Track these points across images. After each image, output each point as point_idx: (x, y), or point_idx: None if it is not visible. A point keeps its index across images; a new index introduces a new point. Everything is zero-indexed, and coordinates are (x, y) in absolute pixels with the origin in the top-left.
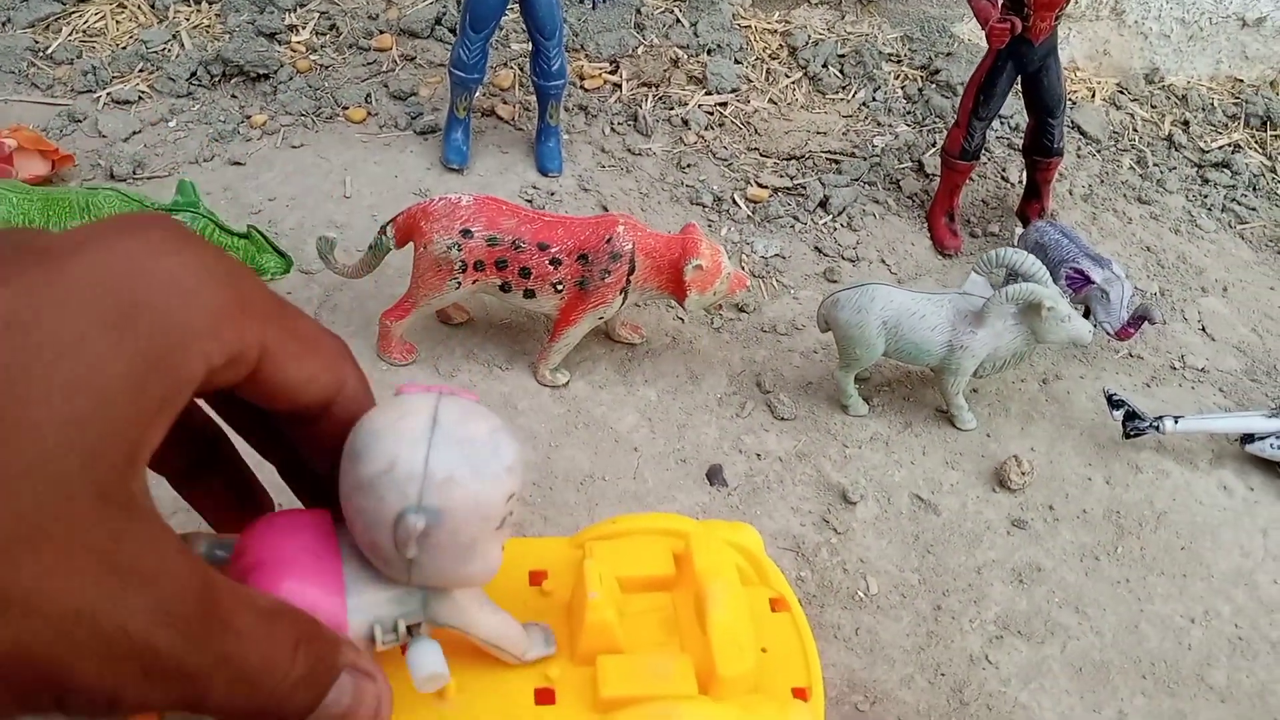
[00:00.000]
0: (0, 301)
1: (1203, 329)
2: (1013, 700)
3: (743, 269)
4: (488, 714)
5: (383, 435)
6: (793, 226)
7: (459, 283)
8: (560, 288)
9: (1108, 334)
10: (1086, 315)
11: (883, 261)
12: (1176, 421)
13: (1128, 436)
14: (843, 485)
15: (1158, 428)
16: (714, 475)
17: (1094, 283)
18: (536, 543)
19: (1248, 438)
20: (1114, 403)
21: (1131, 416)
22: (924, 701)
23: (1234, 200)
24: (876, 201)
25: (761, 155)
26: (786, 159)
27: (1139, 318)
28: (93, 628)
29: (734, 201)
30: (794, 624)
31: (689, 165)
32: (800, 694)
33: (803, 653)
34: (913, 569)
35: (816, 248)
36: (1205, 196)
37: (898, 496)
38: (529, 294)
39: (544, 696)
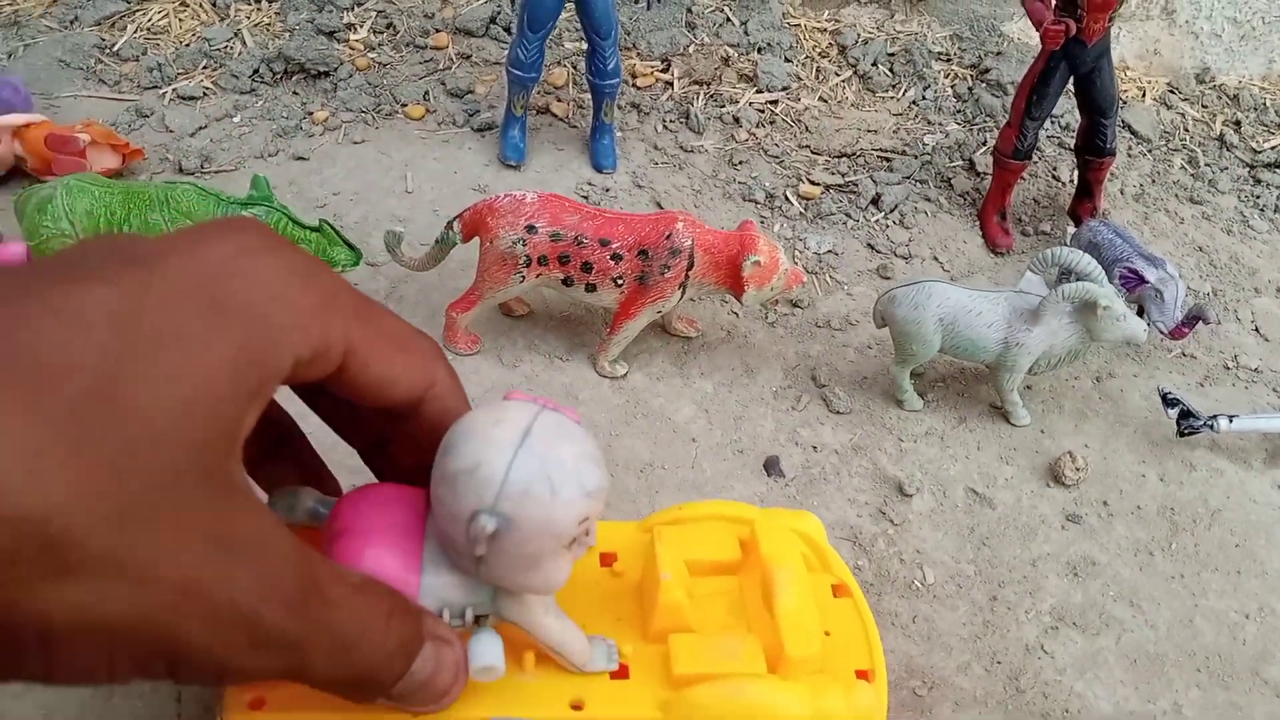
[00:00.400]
0: (107, 300)
1: (1256, 329)
2: (1068, 689)
3: (796, 264)
4: (564, 687)
5: (474, 436)
6: (845, 223)
7: (523, 277)
8: (620, 282)
9: (1161, 333)
10: (1140, 315)
11: (935, 259)
12: (1231, 420)
13: (1182, 435)
14: (898, 478)
15: (1212, 426)
16: (771, 466)
17: (1148, 282)
18: (605, 526)
19: None
20: (1168, 401)
21: (1186, 415)
22: (980, 688)
23: None
24: (928, 199)
25: (813, 153)
26: (838, 156)
27: (1193, 318)
28: (203, 599)
29: (786, 198)
30: (856, 609)
31: (741, 162)
32: (864, 675)
33: (865, 636)
34: (968, 560)
35: (869, 244)
36: (1258, 197)
37: (953, 490)
38: (590, 288)
39: (619, 673)
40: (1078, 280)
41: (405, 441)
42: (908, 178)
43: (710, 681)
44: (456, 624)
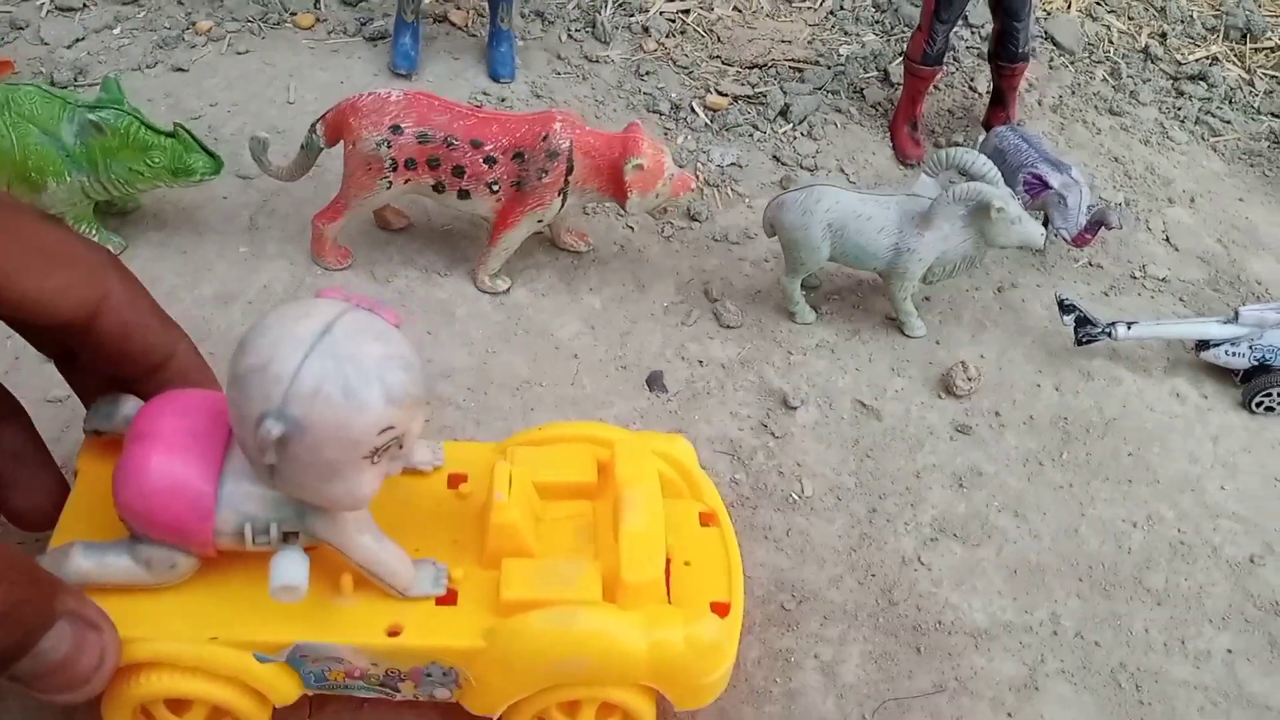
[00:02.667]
0: None
1: (1167, 239)
2: (943, 601)
3: (696, 177)
4: (382, 612)
5: (269, 332)
6: (751, 135)
7: (390, 182)
8: (496, 188)
9: (1065, 240)
10: (1046, 224)
11: (842, 170)
12: (1129, 327)
13: (1080, 343)
14: (784, 391)
15: (1110, 333)
16: (654, 381)
17: (1052, 188)
18: (459, 446)
19: (1202, 344)
20: (1065, 307)
21: (1083, 322)
22: (852, 601)
23: (1208, 113)
24: (839, 110)
25: (723, 63)
26: (749, 67)
27: (1096, 223)
28: None
29: (692, 109)
30: (722, 539)
31: (648, 73)
32: (720, 609)
33: (727, 568)
34: (850, 473)
35: (775, 157)
36: (1179, 109)
37: (840, 402)
38: (463, 194)
39: (446, 599)
40: (972, 181)
41: (90, 356)
42: (819, 89)
43: (539, 609)
44: (262, 541)
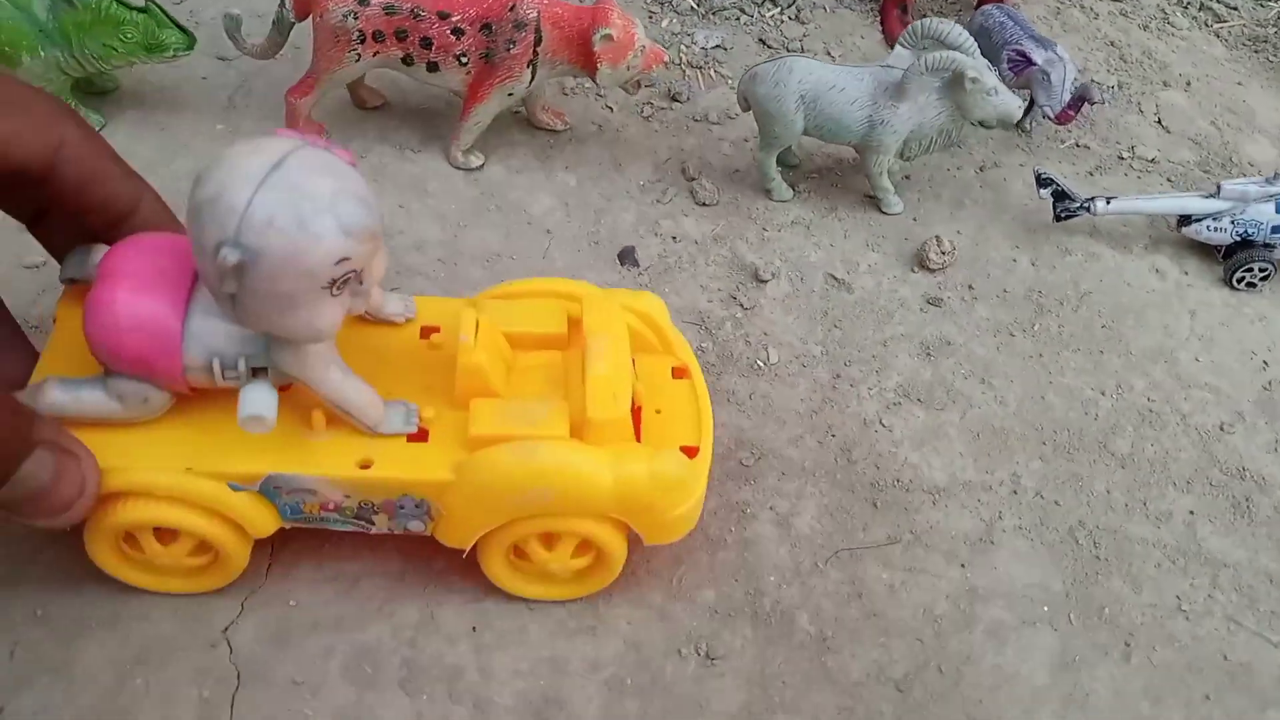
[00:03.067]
0: None
1: (1159, 121)
2: (902, 460)
3: (680, 59)
4: (353, 447)
5: (224, 164)
6: (738, 19)
7: (358, 55)
8: (465, 60)
9: (1049, 118)
10: (1031, 106)
11: (828, 54)
12: (1109, 202)
13: (1058, 218)
14: (756, 265)
15: (1088, 208)
16: (625, 256)
17: (1035, 64)
18: (433, 301)
19: (1184, 220)
20: (1042, 181)
21: (1061, 196)
22: (810, 459)
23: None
24: None
25: None
26: None
27: (1078, 99)
28: None
29: None
30: (693, 390)
31: None
32: (688, 452)
33: (697, 417)
34: (817, 342)
35: (761, 39)
36: (1186, 1)
37: (811, 276)
38: (432, 67)
39: (417, 436)
40: (945, 50)
41: (55, 210)
42: None
43: (506, 444)
44: (231, 376)
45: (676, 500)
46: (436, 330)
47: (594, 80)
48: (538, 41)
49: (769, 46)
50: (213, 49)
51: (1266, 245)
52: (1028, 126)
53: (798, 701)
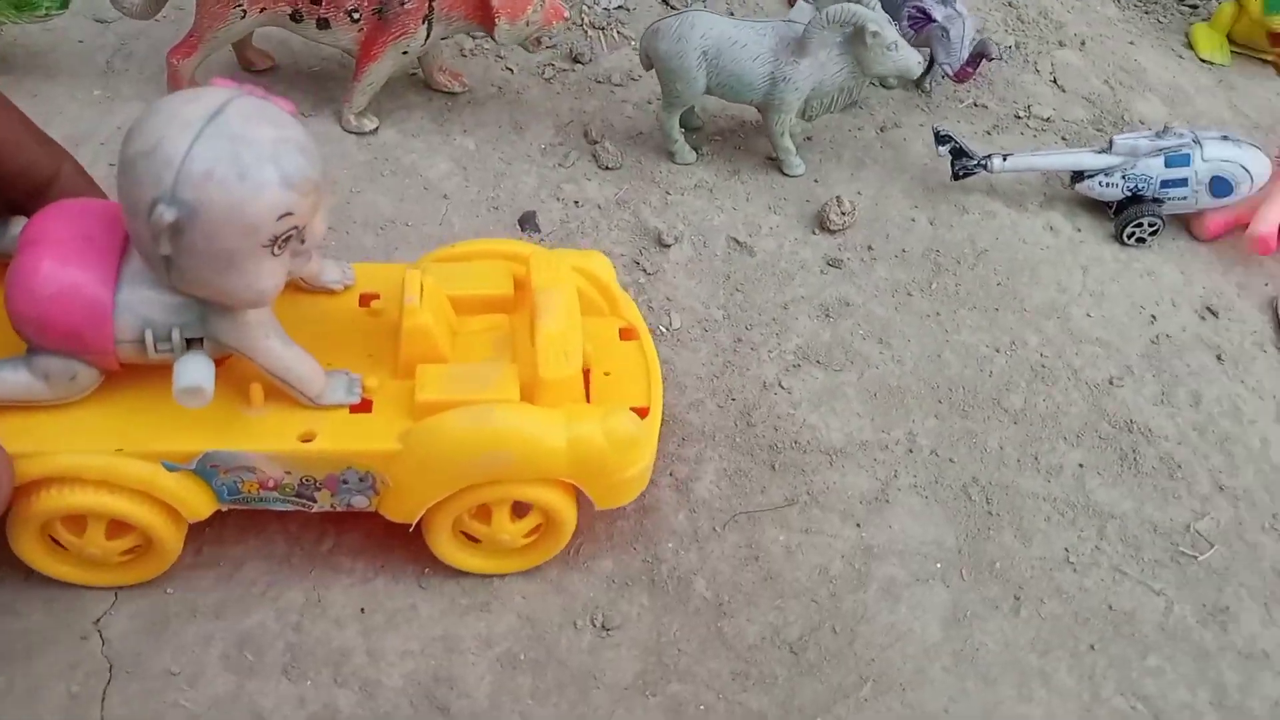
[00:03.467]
0: None
1: (1054, 80)
2: (800, 421)
3: (582, 20)
4: (294, 420)
5: (158, 114)
6: None
7: (243, 11)
8: (357, 16)
9: (948, 75)
10: (932, 65)
11: (730, 12)
12: (1005, 159)
13: (956, 177)
14: (659, 229)
15: (986, 165)
16: (526, 221)
17: (935, 20)
18: (370, 267)
19: (1077, 176)
20: (941, 139)
21: (960, 154)
22: (710, 423)
23: None
24: None
25: None
26: None
27: (977, 55)
28: None
29: None
30: (641, 351)
31: None
32: (640, 413)
33: (646, 377)
34: (719, 306)
35: (664, 0)
36: None
37: (714, 239)
38: (323, 24)
39: (361, 407)
40: (846, 3)
41: None
42: None
43: (456, 409)
44: (164, 349)
45: (630, 461)
46: (376, 297)
47: (493, 38)
48: None
49: (671, 6)
50: (89, 10)
51: (1156, 200)
52: (927, 86)
53: (692, 668)
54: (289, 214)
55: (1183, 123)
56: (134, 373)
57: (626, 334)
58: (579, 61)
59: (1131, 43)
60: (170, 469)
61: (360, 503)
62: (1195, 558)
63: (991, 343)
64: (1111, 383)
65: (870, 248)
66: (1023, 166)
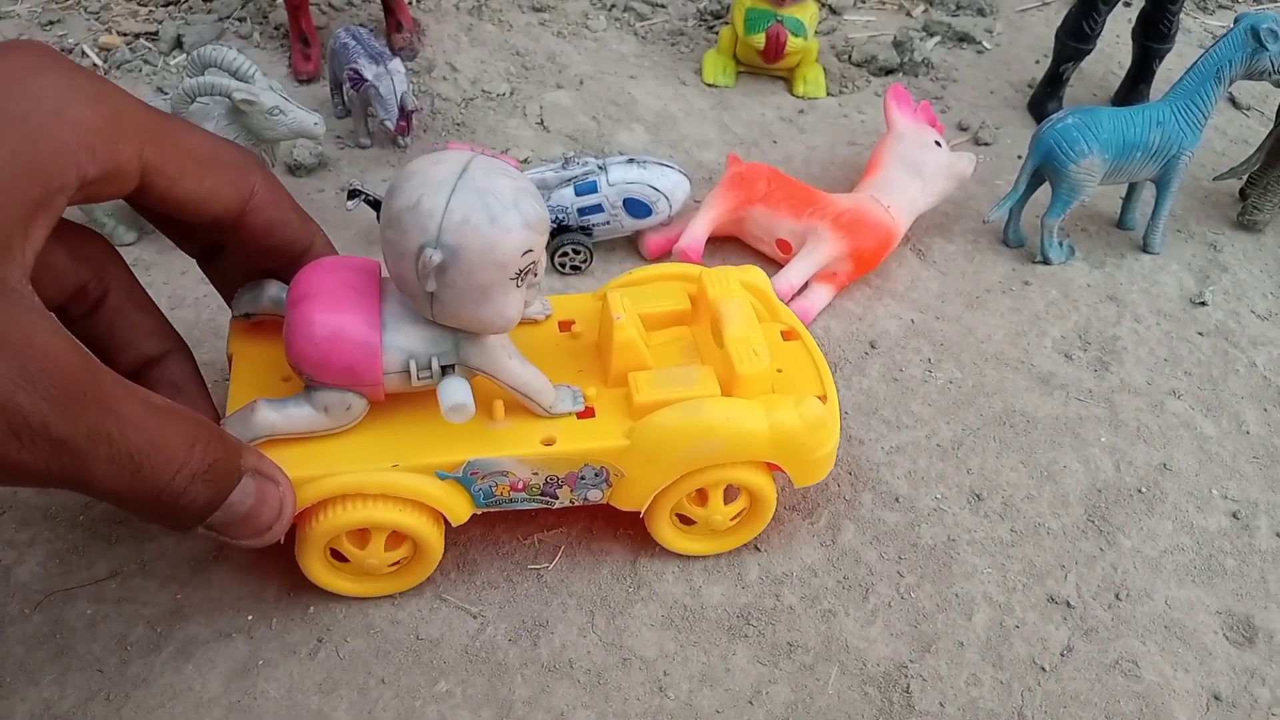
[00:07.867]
0: None
1: (540, 122)
2: None
3: None
4: (535, 428)
5: (415, 176)
6: (141, 70)
7: None
8: None
9: (389, 130)
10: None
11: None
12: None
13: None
14: None
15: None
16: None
17: (367, 80)
18: (563, 299)
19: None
20: (352, 194)
21: (378, 205)
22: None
23: (642, 0)
24: (241, 37)
25: (138, 3)
26: (163, 5)
27: (401, 108)
28: None
29: (84, 52)
30: (806, 349)
31: (54, 22)
32: (819, 399)
33: (816, 369)
34: None
35: (159, 89)
36: (611, 3)
37: None
38: None
39: (585, 414)
40: (201, 77)
41: (236, 250)
42: (227, 17)
43: (669, 406)
44: (425, 376)
45: (822, 440)
46: (573, 323)
47: None
48: None
49: (164, 94)
50: None
51: (583, 229)
52: (366, 142)
53: None
54: (530, 250)
55: (666, 147)
56: (394, 401)
57: (787, 335)
58: None
59: (633, 76)
60: (441, 478)
61: (595, 496)
62: None
63: None
64: None
65: None
66: None
